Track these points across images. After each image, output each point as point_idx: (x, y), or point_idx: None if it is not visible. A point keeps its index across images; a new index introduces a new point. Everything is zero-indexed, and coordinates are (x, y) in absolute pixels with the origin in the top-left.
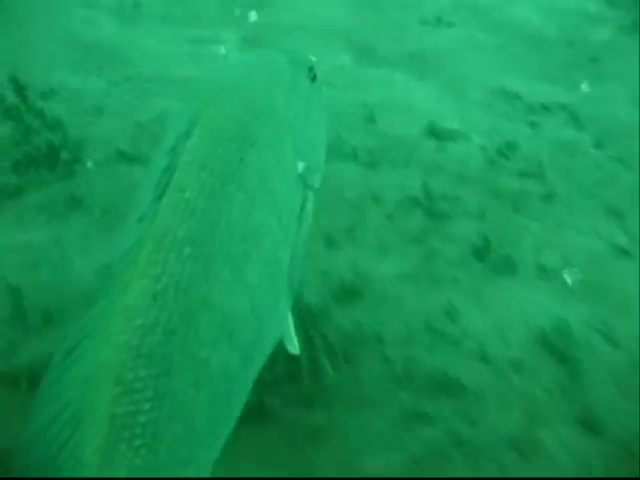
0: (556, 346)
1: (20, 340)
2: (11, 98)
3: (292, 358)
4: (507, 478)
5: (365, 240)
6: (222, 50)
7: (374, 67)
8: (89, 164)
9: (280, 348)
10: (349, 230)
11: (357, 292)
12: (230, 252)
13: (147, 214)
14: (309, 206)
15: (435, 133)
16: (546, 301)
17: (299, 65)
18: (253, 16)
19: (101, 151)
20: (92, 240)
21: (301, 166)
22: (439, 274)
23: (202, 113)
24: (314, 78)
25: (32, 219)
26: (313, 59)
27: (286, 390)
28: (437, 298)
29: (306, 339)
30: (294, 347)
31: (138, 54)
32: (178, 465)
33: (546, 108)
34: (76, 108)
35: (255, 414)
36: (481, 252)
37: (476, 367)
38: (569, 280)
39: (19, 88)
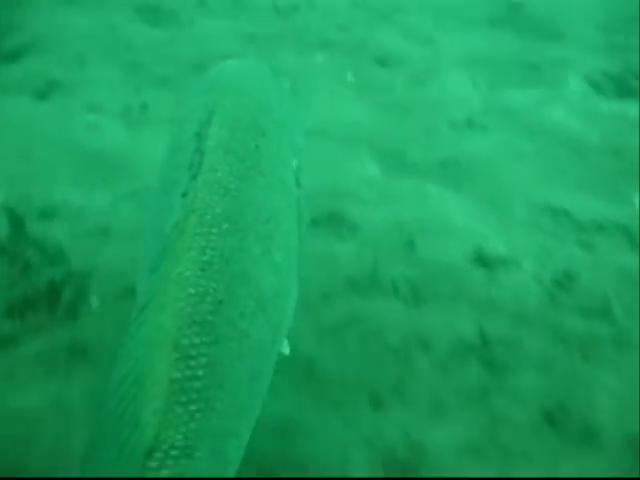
0: None
1: None
2: (5, 228)
3: None
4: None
5: (416, 398)
6: None
7: (405, 178)
8: (94, 303)
9: None
10: (396, 385)
11: (412, 469)
12: (258, 231)
13: (188, 190)
14: (302, 204)
15: (482, 260)
16: None
17: (276, 72)
18: None
19: (108, 286)
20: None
21: (295, 163)
22: (507, 445)
23: (218, 104)
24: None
25: (27, 375)
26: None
27: None
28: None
29: None
30: (285, 347)
31: (145, 163)
32: (225, 435)
33: (599, 227)
34: (79, 231)
35: None
36: (553, 416)
37: None
38: None
39: (14, 216)
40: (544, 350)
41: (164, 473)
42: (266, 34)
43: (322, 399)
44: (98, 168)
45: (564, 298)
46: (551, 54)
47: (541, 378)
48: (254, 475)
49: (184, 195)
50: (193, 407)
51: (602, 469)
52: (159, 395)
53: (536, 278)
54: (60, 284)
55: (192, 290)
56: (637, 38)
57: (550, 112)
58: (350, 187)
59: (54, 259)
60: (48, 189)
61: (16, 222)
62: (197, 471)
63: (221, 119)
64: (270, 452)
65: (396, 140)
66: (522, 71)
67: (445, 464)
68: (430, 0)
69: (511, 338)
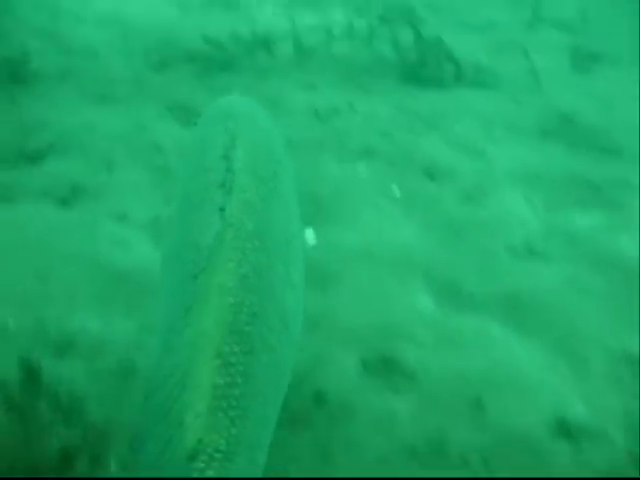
0: None
1: None
2: (15, 371)
3: None
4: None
5: None
6: None
7: (463, 313)
8: (112, 468)
9: None
10: None
11: None
12: (281, 252)
13: (225, 206)
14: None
15: (562, 427)
16: None
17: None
18: (310, 236)
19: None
20: None
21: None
22: None
23: (239, 131)
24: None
25: None
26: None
27: None
28: None
29: None
30: None
31: None
32: (253, 444)
33: None
34: (99, 371)
35: None
36: None
37: None
38: None
39: (27, 355)
40: None
41: (210, 474)
42: (305, 139)
43: None
44: (122, 291)
45: None
46: (610, 171)
47: None
48: None
49: (222, 209)
50: (233, 413)
51: None
52: (202, 399)
53: (629, 455)
54: (74, 450)
55: (232, 300)
56: None
57: (616, 240)
58: (403, 324)
59: (69, 414)
60: (65, 315)
61: (28, 365)
62: (237, 477)
63: (244, 145)
64: None
65: (450, 266)
66: (580, 190)
67: None
68: (475, 107)
69: None
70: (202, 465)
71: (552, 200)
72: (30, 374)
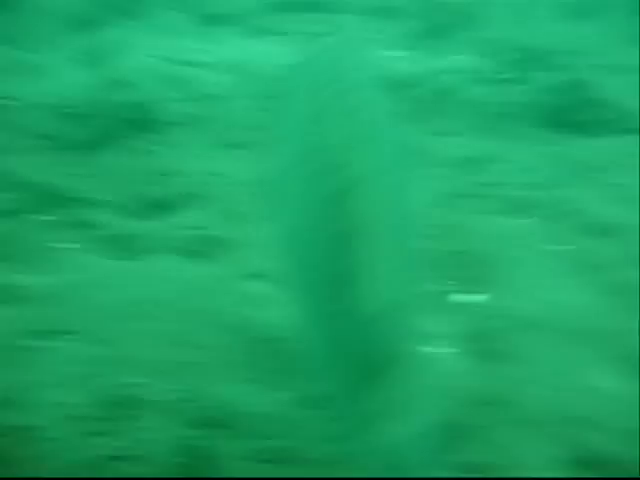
0: None
1: None
2: (172, 457)
3: None
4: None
5: None
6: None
7: None
8: None
9: None
10: None
11: None
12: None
13: (361, 109)
14: None
15: None
16: None
17: None
18: (478, 299)
19: None
20: None
21: None
22: None
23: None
24: None
25: None
26: None
27: None
28: None
29: None
30: None
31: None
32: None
33: None
34: (259, 456)
35: None
36: None
37: None
38: None
39: (188, 453)
40: None
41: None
42: (455, 191)
43: None
44: (269, 358)
45: None
46: None
47: None
48: None
49: (357, 111)
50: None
51: None
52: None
53: None
54: None
55: (376, 185)
56: None
57: None
58: (594, 412)
59: None
60: (210, 387)
61: (188, 451)
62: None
63: (367, 63)
64: None
65: (635, 340)
66: None
67: None
68: (636, 157)
69: None
70: (383, 320)
71: None
72: (191, 460)
